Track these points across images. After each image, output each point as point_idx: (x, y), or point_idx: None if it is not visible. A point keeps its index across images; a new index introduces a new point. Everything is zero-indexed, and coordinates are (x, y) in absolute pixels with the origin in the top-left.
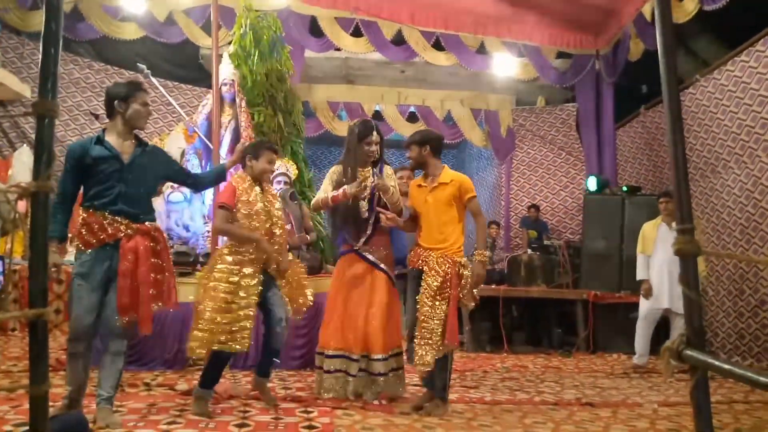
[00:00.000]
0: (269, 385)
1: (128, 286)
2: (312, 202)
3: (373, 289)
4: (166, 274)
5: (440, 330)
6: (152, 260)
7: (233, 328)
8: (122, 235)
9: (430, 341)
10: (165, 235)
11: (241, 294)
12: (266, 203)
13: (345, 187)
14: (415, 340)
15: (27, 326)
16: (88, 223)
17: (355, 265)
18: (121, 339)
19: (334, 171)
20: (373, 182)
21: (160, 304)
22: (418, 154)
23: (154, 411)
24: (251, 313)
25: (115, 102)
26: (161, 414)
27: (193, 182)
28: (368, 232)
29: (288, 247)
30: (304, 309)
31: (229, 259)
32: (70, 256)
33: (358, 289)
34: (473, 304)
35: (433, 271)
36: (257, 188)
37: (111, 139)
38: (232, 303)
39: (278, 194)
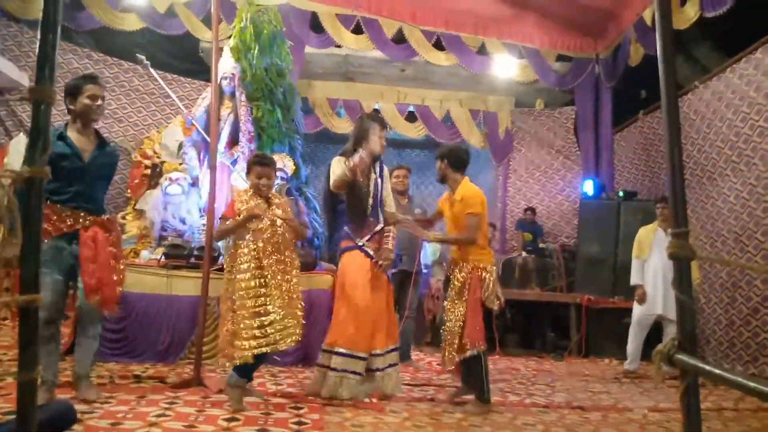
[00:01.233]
0: (258, 381)
1: (92, 270)
2: (332, 183)
3: (378, 287)
4: (121, 261)
5: (459, 330)
6: (110, 249)
7: (272, 330)
8: (80, 226)
9: (453, 342)
10: (118, 225)
11: (266, 296)
12: (269, 212)
13: (361, 154)
14: (442, 343)
15: (18, 313)
16: (44, 214)
17: (361, 261)
18: (98, 323)
19: (339, 160)
20: (375, 177)
21: (121, 289)
22: (439, 167)
23: (143, 403)
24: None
25: (66, 99)
26: (151, 406)
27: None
28: (375, 229)
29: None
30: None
31: (244, 266)
32: None
33: (364, 286)
34: (496, 307)
35: (454, 276)
36: (258, 200)
37: (72, 135)
38: (261, 306)
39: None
